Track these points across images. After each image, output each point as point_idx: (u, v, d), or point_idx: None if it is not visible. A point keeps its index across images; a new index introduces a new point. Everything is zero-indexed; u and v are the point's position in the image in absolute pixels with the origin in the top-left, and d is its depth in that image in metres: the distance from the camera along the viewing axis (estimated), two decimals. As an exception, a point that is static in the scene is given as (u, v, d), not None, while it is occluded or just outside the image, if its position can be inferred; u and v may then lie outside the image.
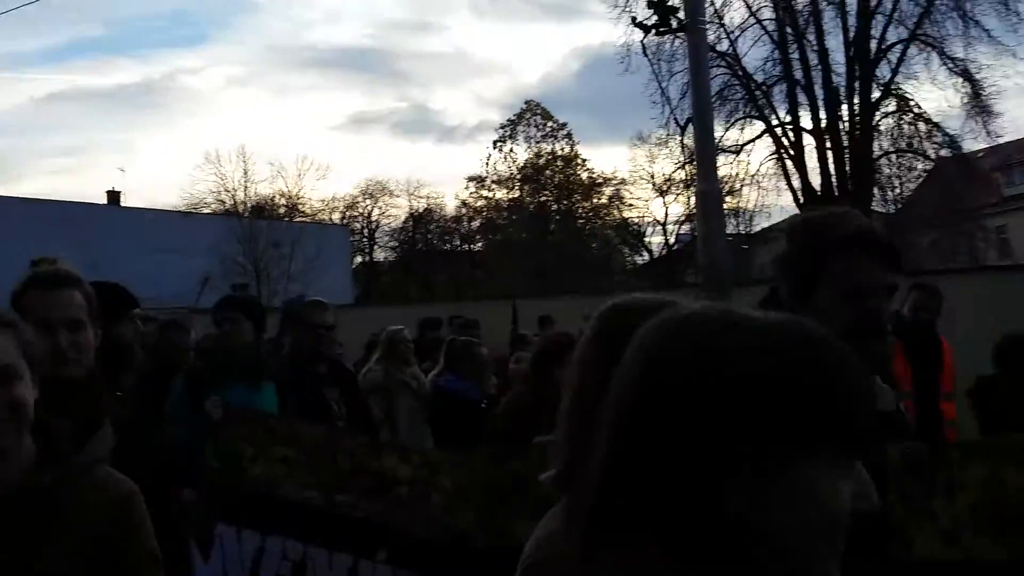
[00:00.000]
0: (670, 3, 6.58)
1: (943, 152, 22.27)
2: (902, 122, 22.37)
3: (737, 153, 22.81)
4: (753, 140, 22.89)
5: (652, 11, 6.53)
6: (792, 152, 22.29)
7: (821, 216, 1.68)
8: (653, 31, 6.70)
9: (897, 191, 23.49)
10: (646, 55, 21.58)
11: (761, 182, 23.16)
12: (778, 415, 0.72)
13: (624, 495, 0.76)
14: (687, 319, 0.81)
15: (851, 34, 21.47)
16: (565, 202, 40.90)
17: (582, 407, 1.23)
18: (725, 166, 21.45)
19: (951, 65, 21.19)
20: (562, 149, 40.90)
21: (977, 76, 20.96)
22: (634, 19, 7.13)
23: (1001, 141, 23.74)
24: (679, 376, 0.75)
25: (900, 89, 21.94)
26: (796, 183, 22.17)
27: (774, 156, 22.63)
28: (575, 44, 68.88)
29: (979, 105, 21.15)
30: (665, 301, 1.25)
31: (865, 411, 0.76)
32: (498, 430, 3.70)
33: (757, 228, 27.68)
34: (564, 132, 40.88)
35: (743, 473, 0.72)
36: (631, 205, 39.63)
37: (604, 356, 1.13)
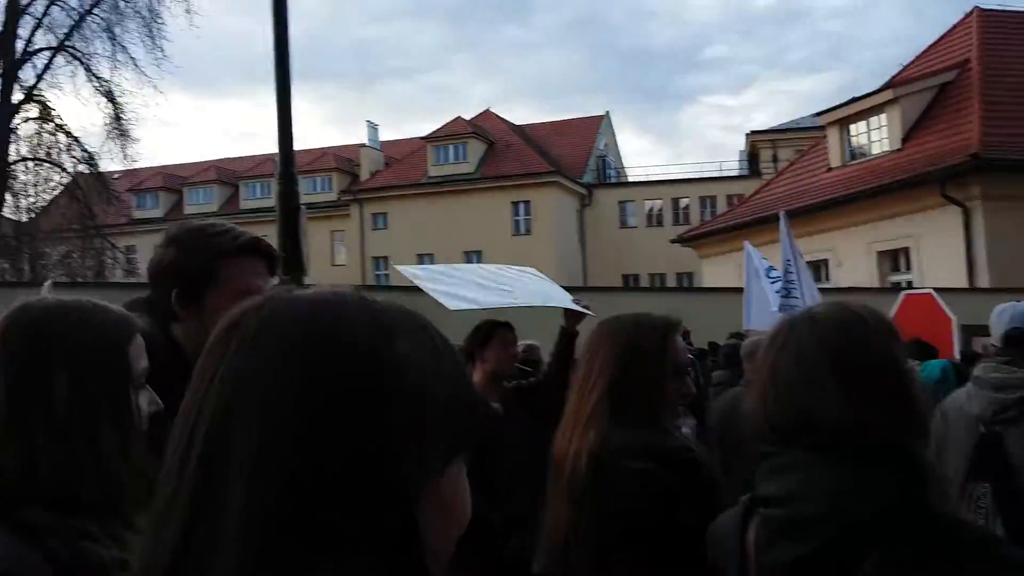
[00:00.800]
0: None
1: (81, 167, 22.56)
2: (43, 130, 21.87)
3: None
4: None
5: None
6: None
7: (207, 225, 1.86)
8: None
9: (32, 199, 22.80)
10: None
11: None
12: (446, 416, 0.71)
13: (295, 533, 0.64)
14: (335, 312, 0.71)
15: (-5, 27, 20.18)
16: None
17: None
18: None
19: (97, 84, 21.75)
20: None
21: (120, 100, 22.00)
22: None
23: (136, 166, 25.32)
24: (352, 390, 0.67)
25: (43, 96, 21.51)
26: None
27: None
28: None
29: (120, 128, 22.18)
30: (73, 303, 1.28)
31: (479, 404, 0.79)
32: None
33: None
34: None
35: (423, 481, 0.69)
36: None
37: (25, 361, 1.20)
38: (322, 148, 43.09)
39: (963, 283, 14.96)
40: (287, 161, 6.90)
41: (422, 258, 32.12)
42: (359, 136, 41.34)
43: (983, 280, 15.17)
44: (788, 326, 1.42)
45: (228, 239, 1.80)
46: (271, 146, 7.10)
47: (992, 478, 2.82)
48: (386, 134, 42.78)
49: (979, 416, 2.97)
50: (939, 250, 16.02)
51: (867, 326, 1.37)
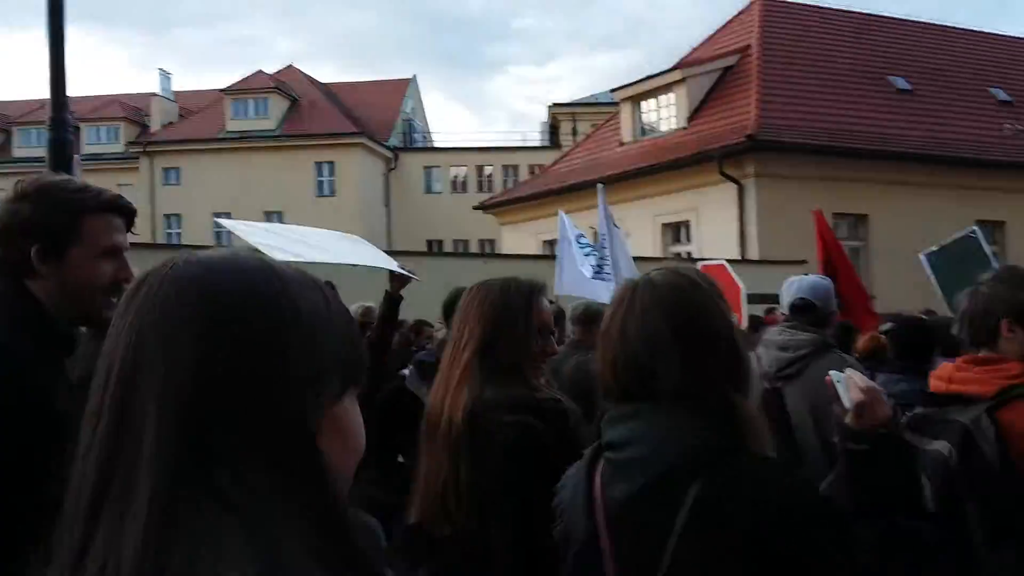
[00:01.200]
0: None
1: None
2: None
3: None
4: None
5: None
6: None
7: (64, 181, 1.85)
8: None
9: None
10: None
11: None
12: (339, 354, 0.80)
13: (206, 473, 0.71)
14: (233, 263, 0.79)
15: None
16: None
17: None
18: None
19: None
20: None
21: None
22: None
23: None
24: (248, 328, 0.75)
25: None
26: None
27: None
28: None
29: None
30: None
31: (362, 344, 0.88)
32: None
33: None
34: None
35: (322, 406, 0.78)
36: None
37: None
38: (110, 95, 39.71)
39: (736, 255, 16.19)
40: (59, 105, 6.29)
41: (219, 217, 30.52)
42: (152, 85, 38.40)
43: (753, 252, 16.50)
44: (631, 292, 1.53)
45: (90, 196, 1.83)
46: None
47: (772, 429, 3.13)
48: (182, 84, 40.18)
49: (764, 373, 3.30)
50: (715, 224, 17.22)
51: (702, 291, 1.50)
